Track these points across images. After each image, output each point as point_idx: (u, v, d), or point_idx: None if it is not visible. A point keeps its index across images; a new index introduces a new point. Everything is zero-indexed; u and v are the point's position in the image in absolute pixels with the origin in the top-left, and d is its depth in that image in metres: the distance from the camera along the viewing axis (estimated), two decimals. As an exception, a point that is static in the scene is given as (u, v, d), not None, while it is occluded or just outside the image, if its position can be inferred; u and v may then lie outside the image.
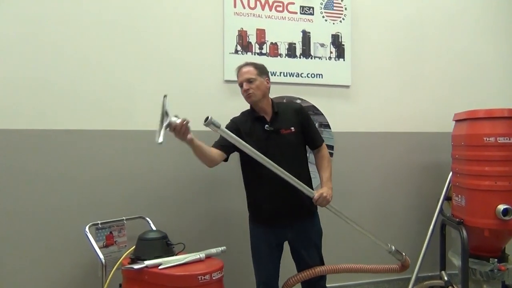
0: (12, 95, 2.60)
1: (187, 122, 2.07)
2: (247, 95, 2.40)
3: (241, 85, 2.42)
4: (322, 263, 2.51)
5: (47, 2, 2.66)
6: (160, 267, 2.11)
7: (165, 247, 2.30)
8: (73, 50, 2.71)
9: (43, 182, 2.63)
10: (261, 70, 2.45)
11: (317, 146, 2.52)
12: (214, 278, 2.10)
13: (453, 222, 2.94)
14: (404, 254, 2.63)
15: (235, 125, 2.42)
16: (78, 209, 2.66)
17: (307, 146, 2.53)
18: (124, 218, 2.59)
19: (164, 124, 1.99)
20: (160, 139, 1.98)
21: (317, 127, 2.68)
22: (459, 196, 2.95)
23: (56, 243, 2.64)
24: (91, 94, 2.73)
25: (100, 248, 2.43)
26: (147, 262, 2.13)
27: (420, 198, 3.46)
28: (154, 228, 2.62)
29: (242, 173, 2.50)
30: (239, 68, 2.45)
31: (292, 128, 2.41)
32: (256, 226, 2.48)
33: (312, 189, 2.39)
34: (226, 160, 2.42)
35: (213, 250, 2.32)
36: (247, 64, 2.45)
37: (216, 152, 2.34)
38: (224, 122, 2.25)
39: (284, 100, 2.66)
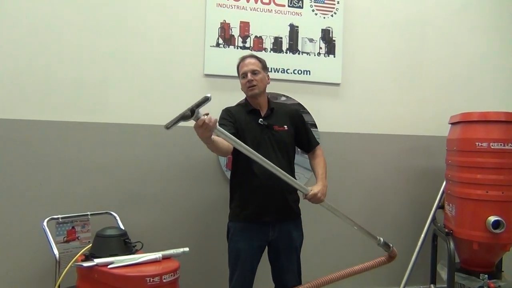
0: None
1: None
2: (250, 87, 2.34)
3: (244, 76, 2.36)
4: (299, 270, 2.43)
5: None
6: (109, 266, 2.01)
7: (122, 245, 2.22)
8: (49, 41, 2.65)
9: (7, 174, 2.58)
10: (264, 65, 2.44)
11: (312, 148, 2.52)
12: (165, 280, 1.98)
13: (442, 232, 2.73)
14: (391, 245, 2.52)
15: (232, 115, 2.34)
16: (42, 203, 2.59)
17: (300, 149, 2.55)
18: (89, 213, 2.50)
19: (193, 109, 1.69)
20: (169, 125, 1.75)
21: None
22: (450, 205, 2.74)
23: (17, 237, 2.57)
24: (62, 86, 2.66)
25: (60, 243, 2.37)
26: (97, 260, 2.03)
27: (414, 206, 3.25)
28: (121, 225, 2.54)
29: (232, 163, 2.43)
30: (243, 58, 2.41)
31: (285, 126, 2.40)
32: (238, 223, 2.37)
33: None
34: None
35: (172, 251, 2.20)
36: (251, 55, 2.43)
37: (227, 143, 2.14)
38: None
39: (269, 96, 2.57)
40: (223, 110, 2.41)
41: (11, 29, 2.60)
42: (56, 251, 2.25)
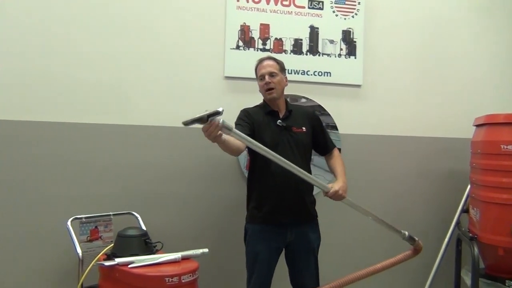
0: (5, 87, 2.62)
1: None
2: (268, 89, 2.35)
3: (262, 78, 2.37)
4: (316, 272, 2.42)
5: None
6: (130, 266, 2.05)
7: (142, 245, 2.26)
8: (70, 44, 2.70)
9: (33, 174, 2.64)
10: (282, 67, 2.44)
11: (329, 151, 2.53)
12: (183, 281, 2.01)
13: (466, 237, 2.67)
14: (417, 238, 2.48)
15: (249, 116, 2.36)
16: (67, 203, 2.64)
17: (315, 151, 2.54)
18: (111, 213, 2.55)
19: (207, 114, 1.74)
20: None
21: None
22: (475, 209, 2.67)
23: (42, 236, 2.63)
24: (86, 88, 2.71)
25: (83, 242, 2.41)
26: (118, 260, 2.08)
27: (438, 209, 3.17)
28: (142, 225, 2.58)
29: (249, 164, 2.45)
30: (261, 61, 2.42)
31: (304, 128, 2.41)
32: (255, 225, 2.38)
33: (312, 190, 2.40)
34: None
35: (191, 252, 2.23)
36: (269, 57, 2.44)
37: (239, 141, 2.15)
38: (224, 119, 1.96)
39: (288, 99, 2.57)
40: (241, 111, 2.43)
41: (16, 29, 2.63)
42: (79, 250, 2.30)
